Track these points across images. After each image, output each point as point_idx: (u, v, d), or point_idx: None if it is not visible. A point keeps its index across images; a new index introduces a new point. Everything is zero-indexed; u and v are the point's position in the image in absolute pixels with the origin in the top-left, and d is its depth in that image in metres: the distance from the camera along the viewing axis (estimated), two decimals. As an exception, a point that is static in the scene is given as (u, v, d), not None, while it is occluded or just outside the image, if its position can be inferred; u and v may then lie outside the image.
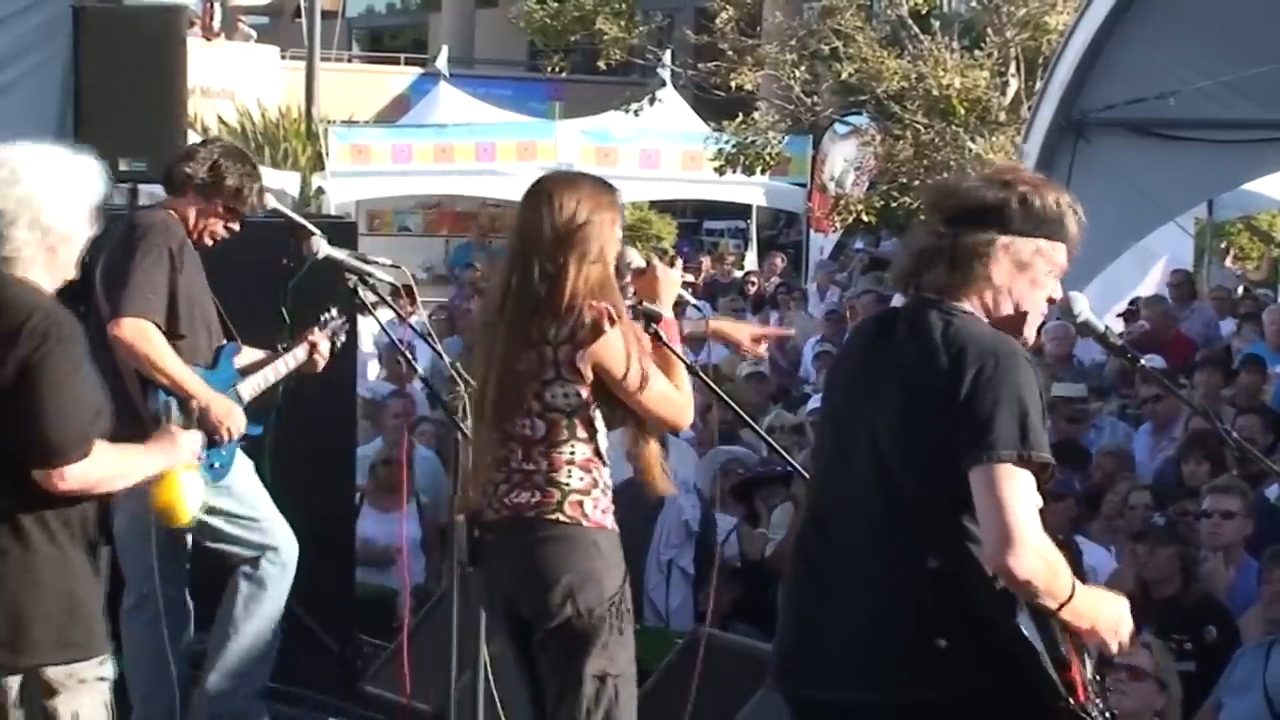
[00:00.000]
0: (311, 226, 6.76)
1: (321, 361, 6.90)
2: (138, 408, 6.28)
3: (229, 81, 28.95)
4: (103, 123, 7.93)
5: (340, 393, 8.12)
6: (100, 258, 6.26)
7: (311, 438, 7.63)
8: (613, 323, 4.96)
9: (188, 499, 5.00)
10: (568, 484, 5.01)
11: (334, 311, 6.94)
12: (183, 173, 6.67)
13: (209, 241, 6.70)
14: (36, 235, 4.72)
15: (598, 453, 5.07)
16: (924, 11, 21.22)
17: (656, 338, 5.16)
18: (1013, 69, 20.70)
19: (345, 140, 25.35)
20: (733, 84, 21.84)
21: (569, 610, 4.97)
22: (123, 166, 7.86)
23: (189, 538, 6.61)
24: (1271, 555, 7.47)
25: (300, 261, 6.68)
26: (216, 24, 31.45)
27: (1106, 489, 9.53)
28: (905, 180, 20.85)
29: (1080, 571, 4.09)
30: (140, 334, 6.30)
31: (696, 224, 31.36)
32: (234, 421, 6.49)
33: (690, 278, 5.57)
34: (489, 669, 5.41)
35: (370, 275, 6.42)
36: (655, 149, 25.61)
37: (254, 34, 34.13)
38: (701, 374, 5.28)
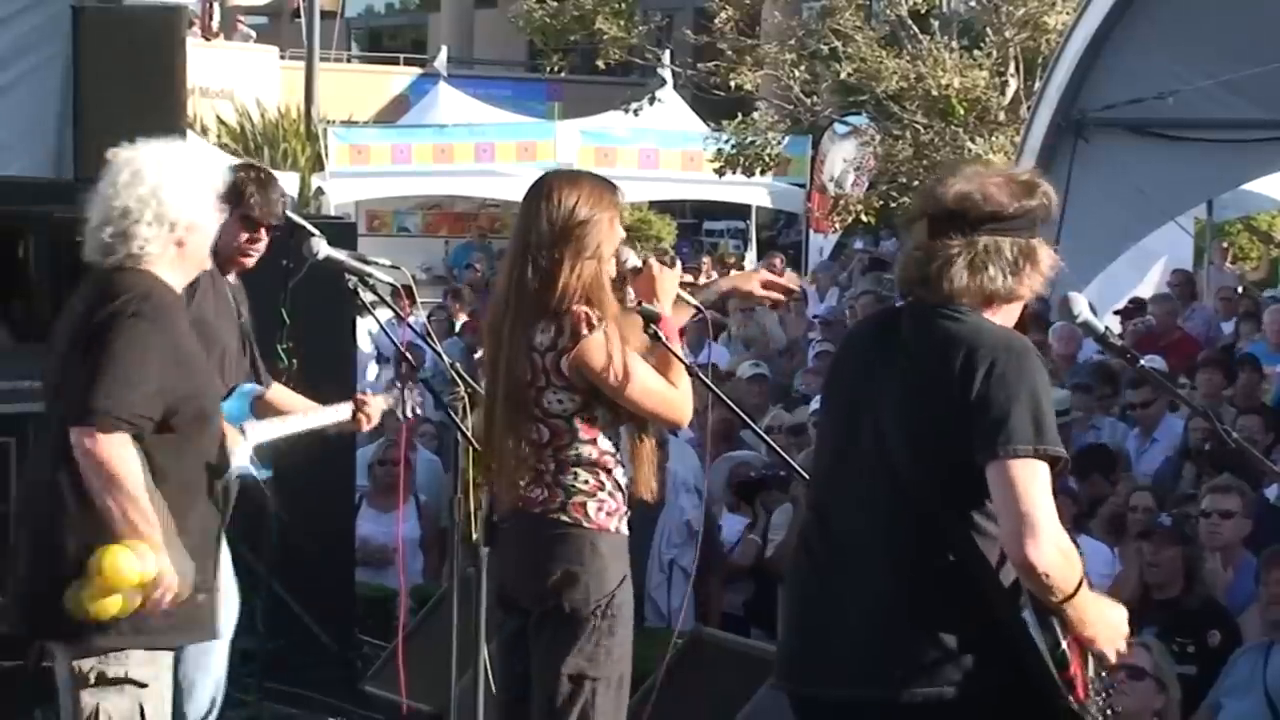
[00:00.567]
0: (311, 227, 6.75)
1: (366, 422, 6.49)
2: None
3: (228, 82, 28.96)
4: (101, 123, 7.92)
5: (339, 394, 8.11)
6: None
7: (311, 439, 7.62)
8: (590, 327, 4.99)
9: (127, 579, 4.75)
10: (573, 485, 5.07)
11: (412, 388, 6.51)
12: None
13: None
14: (163, 230, 4.85)
15: (609, 454, 5.11)
16: (923, 11, 21.22)
17: (655, 338, 5.17)
18: (1012, 69, 20.70)
19: (344, 141, 25.38)
20: (732, 84, 21.84)
21: (552, 603, 5.03)
22: (122, 167, 7.85)
23: None
24: (1270, 556, 7.47)
25: (300, 262, 6.67)
26: (216, 24, 31.47)
27: (1102, 490, 9.52)
28: (905, 180, 20.85)
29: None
30: None
31: (696, 224, 31.38)
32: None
33: (689, 278, 5.57)
34: (488, 669, 5.41)
35: (370, 276, 6.41)
36: (654, 149, 25.63)
37: (253, 34, 34.15)
38: (700, 374, 5.28)
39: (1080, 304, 4.36)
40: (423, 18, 45.25)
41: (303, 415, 6.36)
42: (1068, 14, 18.31)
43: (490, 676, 5.39)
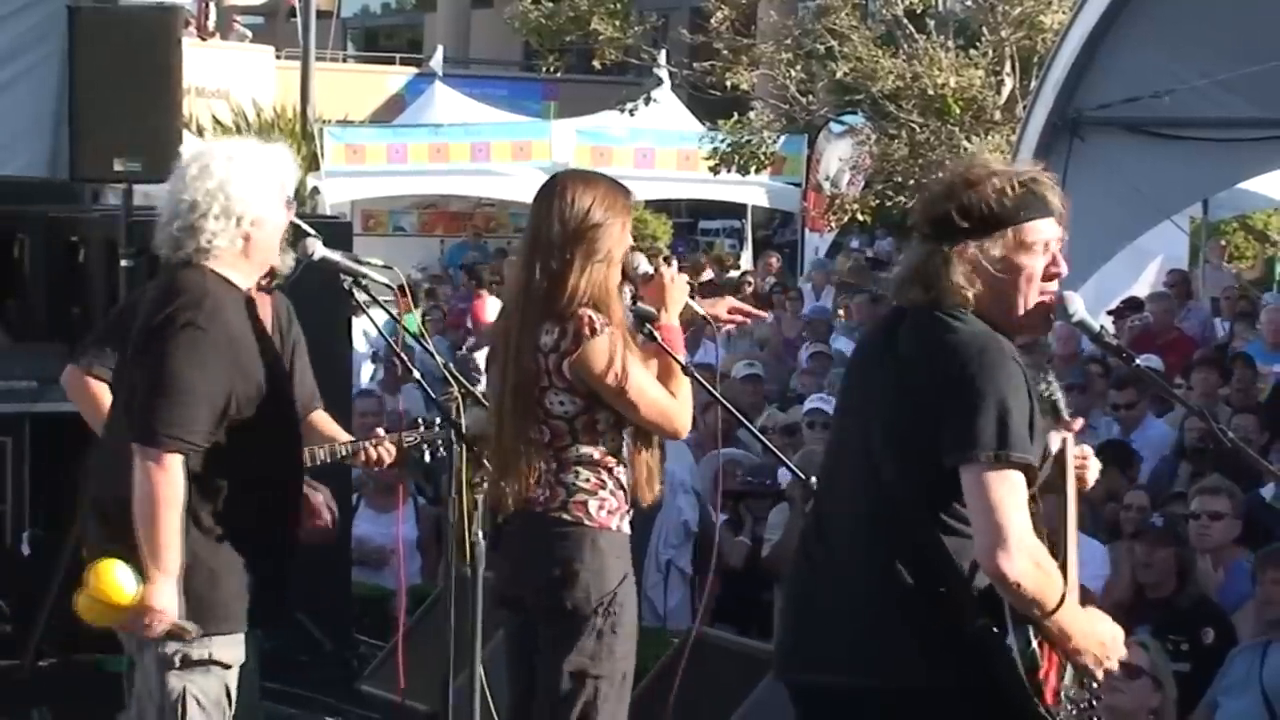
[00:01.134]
0: (307, 227, 6.74)
1: (386, 456, 5.88)
2: None
3: (224, 81, 28.90)
4: (98, 123, 7.93)
5: (336, 393, 8.11)
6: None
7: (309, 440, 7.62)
8: (594, 332, 4.99)
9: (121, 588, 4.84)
10: (574, 484, 5.09)
11: (439, 423, 5.93)
12: None
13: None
14: (230, 224, 4.88)
15: (613, 453, 5.11)
16: (919, 11, 21.21)
17: (651, 338, 5.18)
18: (1008, 68, 20.68)
19: (340, 140, 25.35)
20: (728, 83, 21.81)
21: (554, 601, 5.05)
22: (117, 166, 7.86)
23: None
24: (1265, 556, 7.48)
25: (295, 263, 6.66)
26: (211, 24, 31.40)
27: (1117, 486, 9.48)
28: (900, 179, 20.84)
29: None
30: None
31: (692, 224, 31.36)
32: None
33: (686, 278, 5.55)
34: (485, 669, 5.41)
35: (366, 276, 6.40)
36: (650, 149, 25.61)
37: (249, 34, 34.10)
38: (698, 375, 5.28)
39: (1076, 303, 4.36)
40: (419, 17, 45.21)
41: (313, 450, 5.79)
42: (1064, 13, 18.30)
43: (486, 677, 5.40)
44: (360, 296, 6.35)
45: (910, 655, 4.01)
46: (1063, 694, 4.04)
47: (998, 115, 20.36)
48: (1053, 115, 14.18)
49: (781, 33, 22.05)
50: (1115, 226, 14.03)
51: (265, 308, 6.17)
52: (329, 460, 5.61)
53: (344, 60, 39.53)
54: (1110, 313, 14.95)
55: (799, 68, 21.76)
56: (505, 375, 5.13)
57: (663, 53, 25.21)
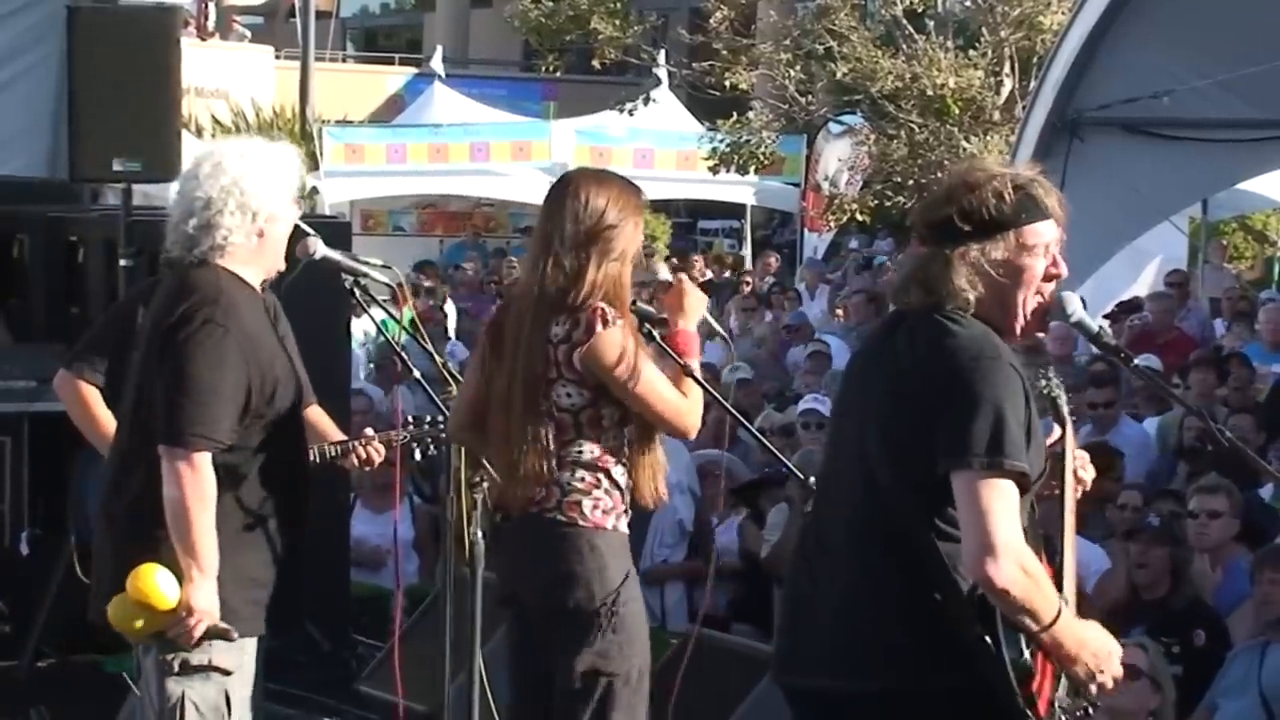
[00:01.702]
0: (306, 227, 6.75)
1: (376, 455, 5.75)
2: None
3: (223, 81, 28.90)
4: (97, 123, 7.94)
5: (335, 392, 8.12)
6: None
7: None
8: (606, 323, 5.00)
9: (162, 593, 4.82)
10: (569, 484, 5.08)
11: (428, 420, 6.04)
12: None
13: None
14: (246, 220, 4.88)
15: (611, 452, 5.10)
16: (919, 11, 21.22)
17: (650, 337, 5.18)
18: (1007, 68, 20.69)
19: (339, 140, 25.34)
20: (727, 83, 21.83)
21: (553, 602, 5.06)
22: (117, 166, 7.87)
23: None
24: (1264, 556, 7.47)
25: (294, 262, 6.66)
26: (211, 24, 31.40)
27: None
28: (899, 180, 20.85)
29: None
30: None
31: (691, 224, 31.35)
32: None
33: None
34: (483, 669, 5.41)
35: (366, 276, 6.41)
36: (650, 149, 25.59)
37: (248, 34, 34.10)
38: (700, 379, 5.28)
39: (1074, 303, 4.36)
40: (418, 17, 45.19)
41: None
42: (1063, 14, 18.30)
43: (485, 677, 5.40)
44: (360, 296, 6.37)
45: (904, 659, 4.01)
46: (1056, 704, 4.02)
47: (997, 116, 20.37)
48: (1052, 116, 14.18)
49: (781, 33, 22.06)
50: (1114, 227, 14.03)
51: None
52: (318, 461, 5.58)
53: (343, 60, 39.53)
54: (1106, 316, 14.95)
55: (798, 68, 21.77)
56: (513, 372, 5.11)
57: (662, 53, 25.22)
